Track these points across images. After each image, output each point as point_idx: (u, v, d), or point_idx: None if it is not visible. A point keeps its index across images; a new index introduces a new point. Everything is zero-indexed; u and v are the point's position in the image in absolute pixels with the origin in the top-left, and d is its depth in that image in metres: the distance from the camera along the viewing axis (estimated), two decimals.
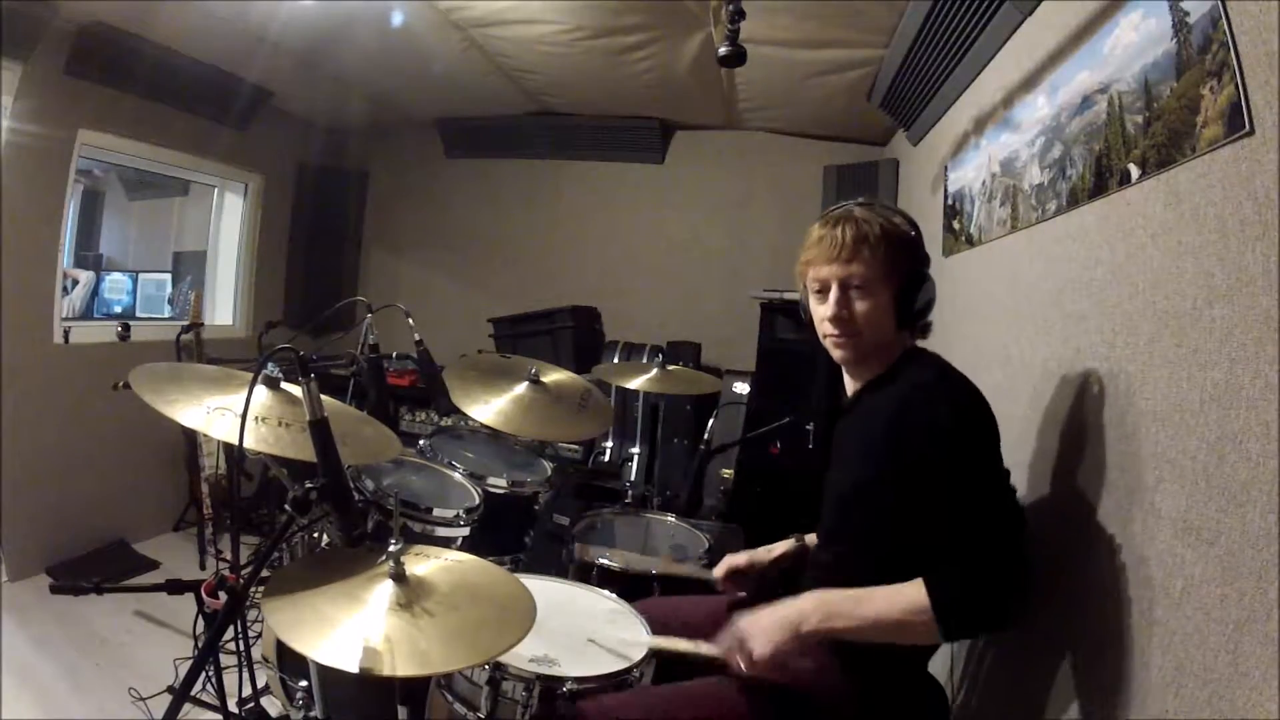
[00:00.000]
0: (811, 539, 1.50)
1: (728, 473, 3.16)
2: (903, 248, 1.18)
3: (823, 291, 1.20)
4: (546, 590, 1.45)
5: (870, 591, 1.08)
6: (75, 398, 3.07)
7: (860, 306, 1.17)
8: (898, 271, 1.17)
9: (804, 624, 1.08)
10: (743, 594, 1.51)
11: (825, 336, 1.22)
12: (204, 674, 1.60)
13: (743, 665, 1.11)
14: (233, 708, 1.82)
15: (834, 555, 1.28)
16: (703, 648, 1.23)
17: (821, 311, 1.20)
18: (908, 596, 1.04)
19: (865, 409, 1.23)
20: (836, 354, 1.23)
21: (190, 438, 3.31)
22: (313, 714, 1.51)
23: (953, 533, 1.05)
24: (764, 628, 1.11)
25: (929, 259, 1.23)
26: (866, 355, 1.22)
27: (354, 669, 0.89)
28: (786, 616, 1.10)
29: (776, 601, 1.44)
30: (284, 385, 1.29)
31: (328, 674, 1.45)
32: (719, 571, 1.50)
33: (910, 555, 1.08)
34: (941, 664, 1.54)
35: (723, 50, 1.52)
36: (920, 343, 1.27)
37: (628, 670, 1.23)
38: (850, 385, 1.31)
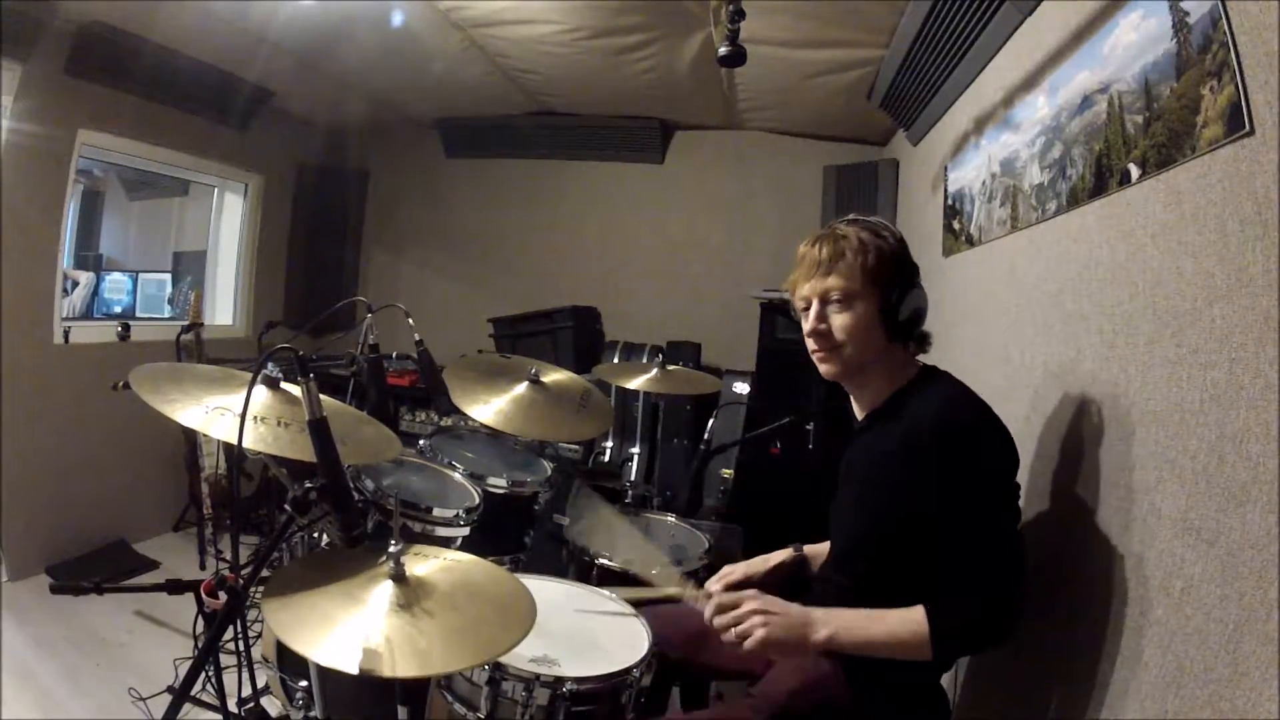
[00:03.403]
0: (810, 549, 1.50)
1: (728, 473, 3.16)
2: (882, 259, 1.16)
3: (807, 309, 1.21)
4: (546, 590, 1.45)
5: (879, 616, 1.09)
6: (75, 398, 3.07)
7: (838, 320, 1.16)
8: (879, 283, 1.16)
9: (813, 635, 1.09)
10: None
11: (812, 353, 1.22)
12: (204, 674, 1.60)
13: (734, 636, 1.10)
14: (233, 708, 1.82)
15: (852, 578, 1.25)
16: (663, 591, 1.22)
17: (806, 328, 1.21)
18: (912, 625, 1.06)
19: (884, 430, 1.19)
20: (823, 370, 1.22)
21: (190, 438, 3.30)
22: (313, 714, 1.51)
23: (965, 562, 1.06)
24: (776, 622, 1.09)
25: (916, 268, 1.21)
26: (856, 371, 1.21)
27: (354, 670, 0.89)
28: (798, 625, 1.10)
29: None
30: (284, 385, 1.29)
31: (328, 674, 1.45)
32: (714, 586, 1.48)
33: (927, 578, 1.09)
34: None
35: (723, 50, 1.52)
36: (922, 356, 1.26)
37: (628, 670, 1.23)
38: (858, 407, 1.29)
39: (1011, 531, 1.10)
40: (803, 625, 1.09)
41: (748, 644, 1.08)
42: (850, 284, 1.15)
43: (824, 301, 1.18)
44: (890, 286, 1.16)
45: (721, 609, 1.13)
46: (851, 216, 1.23)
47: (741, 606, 1.12)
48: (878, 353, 1.19)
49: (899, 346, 1.20)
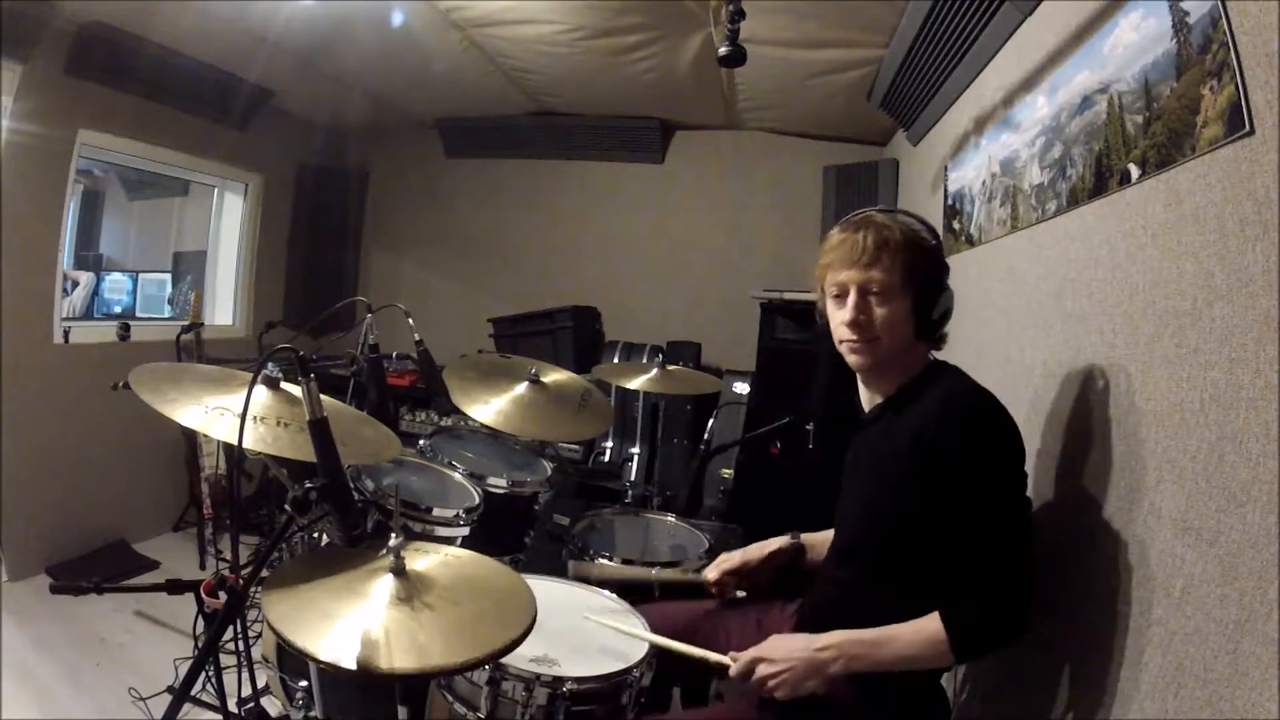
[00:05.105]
0: (808, 538, 1.50)
1: (728, 473, 3.16)
2: (923, 255, 1.17)
3: (841, 296, 1.19)
4: (546, 590, 1.45)
5: (892, 633, 1.10)
6: (75, 398, 3.07)
7: (879, 312, 1.16)
8: (916, 279, 1.16)
9: (829, 668, 1.10)
10: (742, 594, 1.51)
11: (842, 342, 1.21)
12: (204, 674, 1.60)
13: (759, 693, 1.13)
14: (233, 708, 1.82)
15: (855, 573, 1.25)
16: (698, 652, 1.23)
17: (840, 316, 1.19)
18: (927, 635, 1.07)
19: (892, 424, 1.20)
20: (853, 360, 1.21)
21: (190, 438, 3.31)
22: (313, 714, 1.51)
23: (978, 558, 1.06)
24: (791, 672, 1.11)
25: (948, 268, 1.22)
26: (884, 364, 1.21)
27: (352, 664, 0.89)
28: (811, 660, 1.11)
29: (776, 603, 1.45)
30: (284, 385, 1.29)
31: (327, 674, 1.45)
32: (712, 574, 1.49)
33: (935, 574, 1.09)
34: None
35: (723, 50, 1.53)
36: (934, 353, 1.26)
37: (628, 670, 1.23)
38: (867, 397, 1.29)
39: (1022, 523, 1.10)
40: (815, 665, 1.11)
41: (780, 697, 1.12)
42: (893, 278, 1.15)
43: (863, 292, 1.17)
44: (927, 285, 1.17)
45: (743, 678, 1.16)
46: (882, 207, 1.23)
47: (755, 674, 1.14)
48: (905, 348, 1.19)
49: (920, 343, 1.21)
